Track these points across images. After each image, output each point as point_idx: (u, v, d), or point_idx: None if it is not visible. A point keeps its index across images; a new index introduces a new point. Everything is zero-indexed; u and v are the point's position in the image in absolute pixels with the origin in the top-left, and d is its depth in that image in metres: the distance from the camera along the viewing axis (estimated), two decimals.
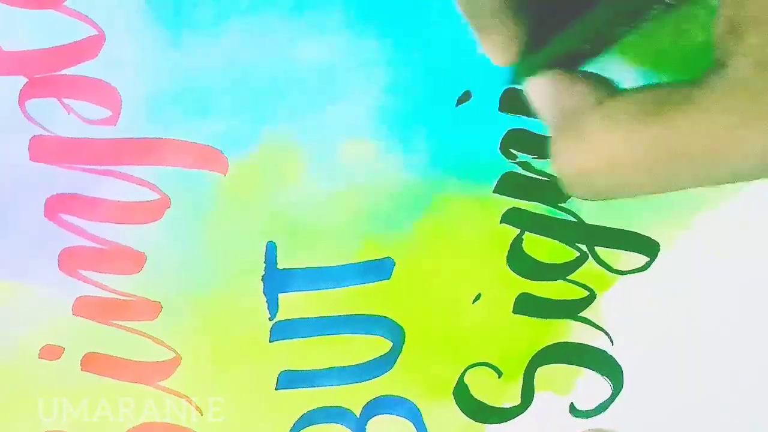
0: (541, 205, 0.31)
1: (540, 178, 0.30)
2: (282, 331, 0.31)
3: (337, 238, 0.31)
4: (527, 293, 0.32)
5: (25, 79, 0.27)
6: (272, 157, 0.29)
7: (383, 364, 0.32)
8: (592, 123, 0.19)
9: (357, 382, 0.32)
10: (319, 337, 0.32)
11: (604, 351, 0.32)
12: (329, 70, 0.28)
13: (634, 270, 0.32)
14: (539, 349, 0.32)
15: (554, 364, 0.32)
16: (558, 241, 0.31)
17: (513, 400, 0.33)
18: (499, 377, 0.32)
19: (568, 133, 0.19)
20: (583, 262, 0.32)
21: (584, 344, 0.32)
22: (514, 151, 0.30)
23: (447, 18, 0.28)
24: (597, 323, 0.32)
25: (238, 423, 0.32)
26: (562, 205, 0.31)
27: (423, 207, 0.31)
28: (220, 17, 0.28)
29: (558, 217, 0.31)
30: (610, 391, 0.33)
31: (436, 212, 0.31)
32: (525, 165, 0.30)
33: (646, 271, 0.32)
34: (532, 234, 0.31)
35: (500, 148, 0.30)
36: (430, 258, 0.31)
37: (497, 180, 0.30)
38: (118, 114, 0.28)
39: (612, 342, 0.32)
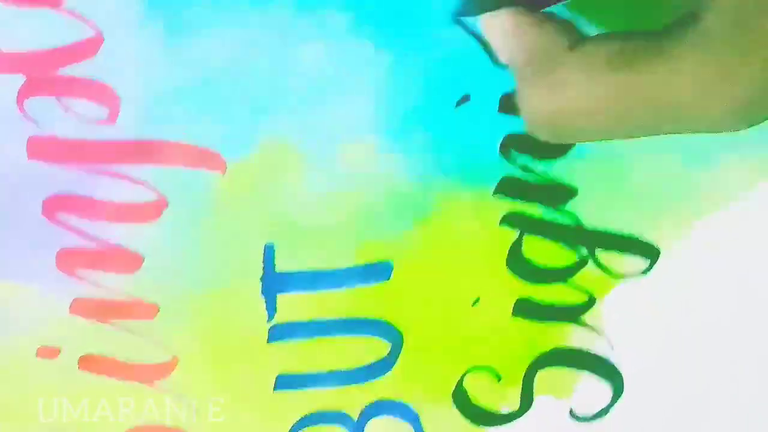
0: (541, 207, 0.31)
1: (540, 180, 0.30)
2: (280, 332, 0.31)
3: (335, 239, 0.30)
4: (527, 297, 0.32)
5: (24, 78, 0.27)
6: (271, 158, 0.29)
7: (382, 366, 0.32)
8: (568, 67, 0.19)
9: (355, 384, 0.32)
10: (317, 338, 0.32)
11: (604, 355, 0.32)
12: (329, 71, 0.28)
13: (634, 274, 0.32)
14: (539, 353, 0.32)
15: (554, 368, 0.32)
16: (558, 244, 0.31)
17: (512, 404, 0.33)
18: (498, 381, 0.32)
19: (540, 76, 0.19)
20: (583, 266, 0.31)
21: (584, 348, 0.32)
22: (514, 153, 0.30)
23: (447, 19, 0.28)
24: (597, 327, 0.32)
25: (236, 424, 0.32)
26: (563, 207, 0.31)
27: (422, 209, 0.30)
28: (219, 17, 0.28)
29: (558, 220, 0.31)
30: (611, 396, 0.33)
31: (435, 214, 0.30)
32: (525, 167, 0.30)
33: (646, 275, 0.32)
34: (532, 236, 0.31)
35: (500, 150, 0.30)
36: (430, 260, 0.31)
37: (497, 182, 0.30)
38: (116, 114, 0.28)
39: (612, 346, 0.32)
